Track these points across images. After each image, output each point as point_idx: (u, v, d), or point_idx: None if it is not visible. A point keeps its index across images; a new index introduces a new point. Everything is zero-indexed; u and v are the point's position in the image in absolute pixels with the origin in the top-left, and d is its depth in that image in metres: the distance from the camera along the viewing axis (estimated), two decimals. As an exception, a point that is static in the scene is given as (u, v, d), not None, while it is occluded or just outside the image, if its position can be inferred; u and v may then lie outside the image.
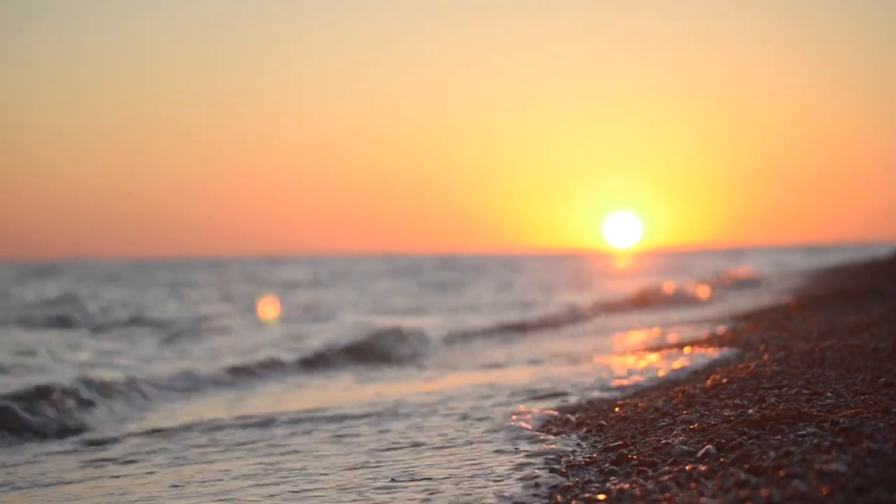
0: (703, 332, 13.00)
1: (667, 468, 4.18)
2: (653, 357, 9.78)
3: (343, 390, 9.97)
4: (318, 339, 15.08)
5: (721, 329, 12.88)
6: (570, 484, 4.34)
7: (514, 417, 6.88)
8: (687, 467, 4.06)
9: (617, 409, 6.28)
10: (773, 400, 5.41)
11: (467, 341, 15.59)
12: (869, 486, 3.18)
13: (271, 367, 11.74)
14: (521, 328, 17.65)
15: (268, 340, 15.51)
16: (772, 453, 3.97)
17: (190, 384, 10.45)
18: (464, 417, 7.04)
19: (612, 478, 4.32)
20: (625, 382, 8.10)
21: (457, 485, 4.77)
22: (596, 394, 7.58)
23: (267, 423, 7.41)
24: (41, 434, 7.95)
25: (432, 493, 4.66)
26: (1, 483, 5.88)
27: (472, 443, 6.01)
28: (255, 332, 17.72)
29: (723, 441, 4.45)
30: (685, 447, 4.53)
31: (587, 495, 3.98)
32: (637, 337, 13.88)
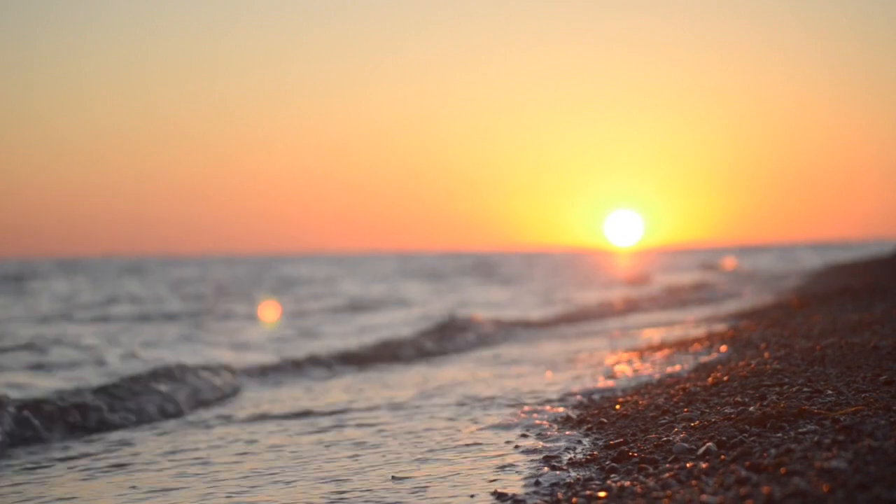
0: (706, 329, 13.00)
1: (668, 465, 4.18)
2: (654, 354, 9.78)
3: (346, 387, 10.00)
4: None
5: (722, 327, 12.88)
6: (571, 481, 4.34)
7: (520, 414, 6.89)
8: (688, 465, 4.06)
9: (618, 407, 6.29)
10: (773, 397, 5.41)
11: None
12: (869, 484, 3.19)
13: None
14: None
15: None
16: (773, 451, 3.97)
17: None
18: (468, 412, 7.05)
19: (612, 475, 4.32)
20: (624, 380, 8.10)
21: (458, 481, 4.77)
22: (597, 392, 7.59)
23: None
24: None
25: (433, 490, 4.66)
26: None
27: (473, 437, 6.02)
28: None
29: (724, 438, 4.46)
30: (686, 444, 4.53)
31: (588, 492, 3.98)
32: (642, 335, 13.88)
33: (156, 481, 5.39)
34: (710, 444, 4.36)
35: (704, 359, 8.52)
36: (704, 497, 3.45)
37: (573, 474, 4.52)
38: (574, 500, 3.92)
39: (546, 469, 4.72)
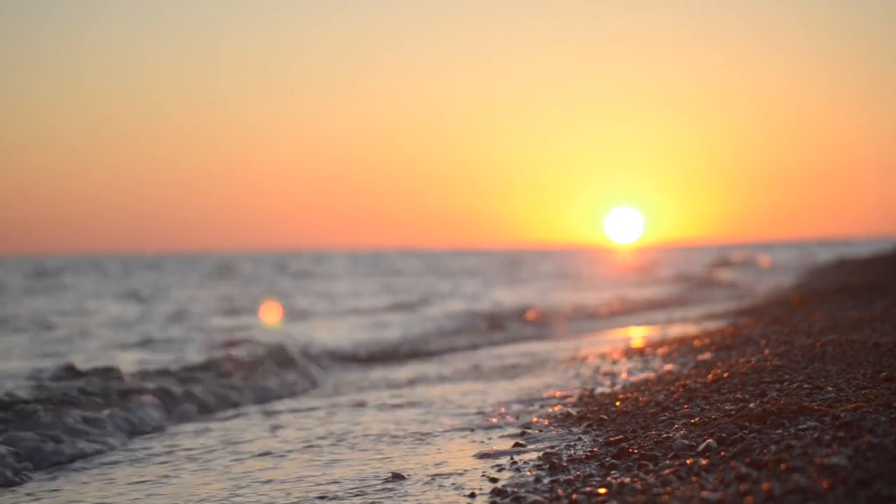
0: (707, 327, 13.00)
1: (668, 462, 4.18)
2: (654, 352, 9.78)
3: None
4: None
5: (722, 324, 12.88)
6: (572, 478, 4.34)
7: (520, 411, 6.89)
8: (688, 461, 4.06)
9: (618, 404, 6.29)
10: (774, 394, 5.41)
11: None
12: (870, 480, 3.18)
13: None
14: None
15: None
16: (773, 447, 3.96)
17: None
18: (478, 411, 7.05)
19: (613, 472, 4.32)
20: (624, 377, 8.10)
21: (458, 477, 4.77)
22: (597, 389, 7.59)
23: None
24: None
25: (431, 487, 4.66)
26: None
27: (473, 432, 6.02)
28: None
29: (724, 435, 4.45)
30: (686, 441, 4.53)
31: (588, 489, 3.98)
32: (642, 333, 13.89)
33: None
34: (710, 440, 4.36)
35: (699, 356, 8.52)
36: (704, 493, 3.45)
37: (573, 471, 4.52)
38: (574, 496, 3.92)
39: (546, 465, 4.72)
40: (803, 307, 13.70)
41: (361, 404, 7.96)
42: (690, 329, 13.04)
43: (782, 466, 3.56)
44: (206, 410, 8.31)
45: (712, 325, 13.15)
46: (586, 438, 5.45)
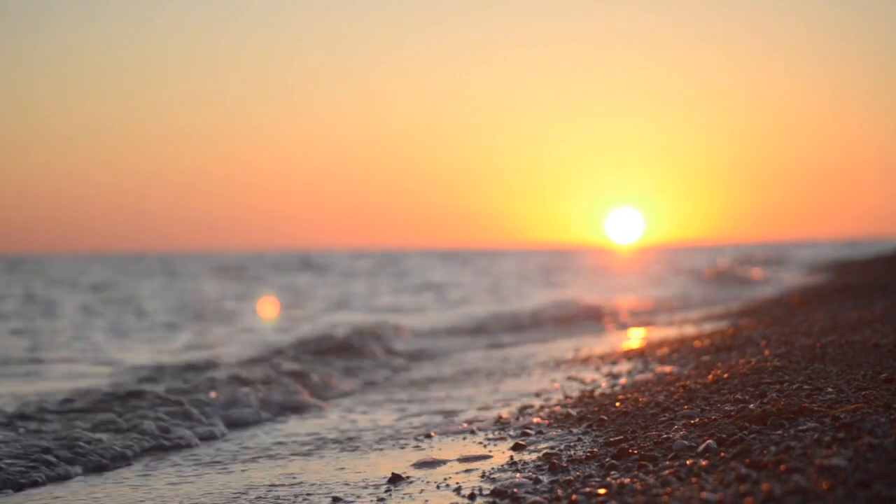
0: (708, 328, 13.00)
1: (667, 463, 4.18)
2: (655, 351, 9.78)
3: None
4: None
5: (723, 325, 12.87)
6: (571, 478, 4.34)
7: (520, 411, 6.88)
8: (688, 462, 4.06)
9: (618, 404, 6.29)
10: (774, 395, 5.41)
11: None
12: (869, 481, 3.18)
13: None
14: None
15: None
16: (772, 448, 3.96)
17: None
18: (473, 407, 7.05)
19: (612, 472, 4.32)
20: (624, 379, 8.10)
21: (457, 477, 4.77)
22: (597, 389, 7.59)
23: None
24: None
25: (430, 488, 4.66)
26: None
27: (473, 434, 6.02)
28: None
29: (724, 436, 4.45)
30: (686, 442, 4.53)
31: (588, 489, 3.97)
32: (644, 334, 13.88)
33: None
34: (710, 441, 4.36)
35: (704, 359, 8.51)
36: (704, 494, 3.45)
37: (573, 471, 4.52)
38: (574, 497, 3.92)
39: (546, 466, 4.72)
40: (803, 308, 13.70)
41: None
42: (692, 330, 13.04)
43: (782, 467, 3.56)
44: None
45: (712, 326, 13.15)
46: (586, 439, 5.45)
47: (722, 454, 4.09)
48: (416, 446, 5.96)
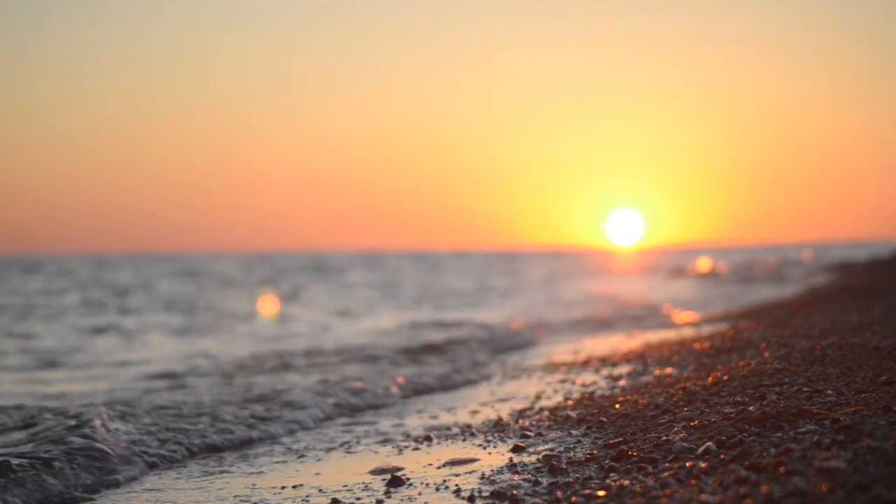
0: (708, 330, 12.99)
1: (667, 465, 4.18)
2: (654, 353, 9.77)
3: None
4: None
5: (723, 327, 12.87)
6: (571, 480, 4.34)
7: (520, 413, 6.88)
8: (687, 464, 4.06)
9: (617, 406, 6.28)
10: (773, 397, 5.41)
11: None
12: (869, 484, 3.18)
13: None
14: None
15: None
16: (772, 450, 3.96)
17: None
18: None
19: (612, 474, 4.32)
20: (623, 381, 8.10)
21: (457, 479, 4.77)
22: (597, 391, 7.59)
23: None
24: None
25: (428, 490, 4.66)
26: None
27: (473, 436, 6.02)
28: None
29: (723, 438, 4.45)
30: (685, 444, 4.52)
31: (587, 491, 3.97)
32: (644, 336, 13.88)
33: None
34: (709, 443, 4.36)
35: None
36: (703, 496, 3.45)
37: (572, 473, 4.51)
38: (573, 498, 3.92)
39: (545, 468, 4.72)
40: (803, 310, 13.70)
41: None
42: (692, 332, 13.02)
43: (781, 470, 3.55)
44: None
45: (712, 329, 13.14)
46: (586, 441, 5.45)
47: (721, 456, 4.08)
48: (415, 448, 5.96)
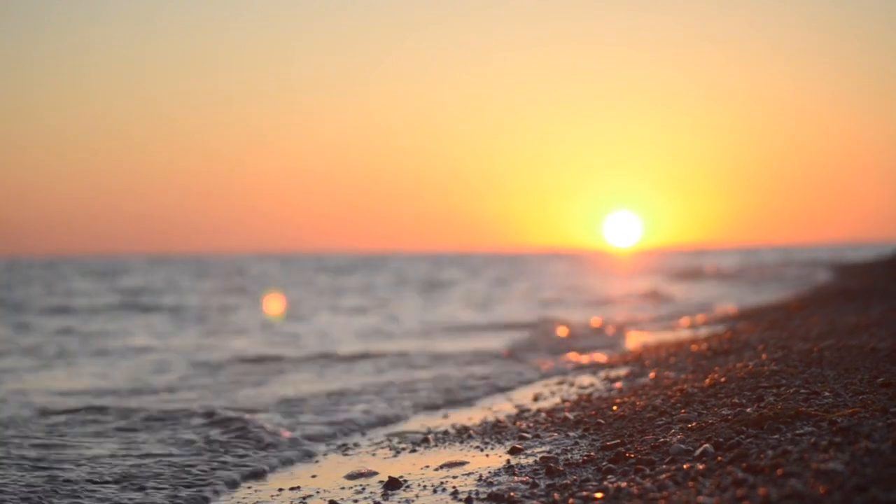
0: (706, 331, 12.99)
1: (664, 467, 4.18)
2: (651, 355, 9.77)
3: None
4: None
5: (721, 329, 12.87)
6: (568, 482, 4.33)
7: (518, 415, 6.88)
8: (685, 466, 4.05)
9: (615, 408, 6.28)
10: (771, 399, 5.41)
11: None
12: (866, 485, 3.18)
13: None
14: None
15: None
16: (769, 452, 3.96)
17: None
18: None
19: (609, 476, 4.31)
20: (620, 383, 8.10)
21: (454, 481, 4.76)
22: (595, 392, 7.59)
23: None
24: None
25: (430, 491, 4.66)
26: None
27: (471, 438, 6.02)
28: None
29: (721, 440, 4.45)
30: (683, 446, 4.52)
31: (585, 493, 3.97)
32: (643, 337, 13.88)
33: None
34: (707, 445, 4.35)
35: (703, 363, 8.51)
36: (701, 498, 3.45)
37: (570, 475, 4.51)
38: (571, 501, 3.91)
39: (543, 470, 4.71)
40: (801, 312, 13.70)
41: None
42: (690, 334, 13.02)
43: (779, 471, 3.55)
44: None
45: (711, 330, 13.15)
46: (583, 443, 5.44)
47: (719, 458, 4.08)
48: (413, 450, 5.96)
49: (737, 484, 3.54)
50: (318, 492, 4.94)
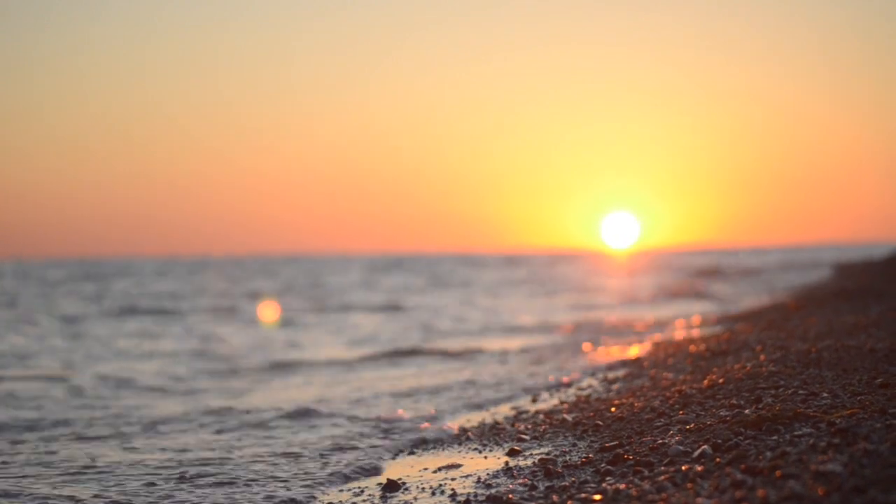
0: (704, 332, 12.98)
1: (663, 468, 4.18)
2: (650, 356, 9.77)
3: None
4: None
5: (718, 330, 12.87)
6: (567, 484, 4.33)
7: (517, 416, 6.88)
8: (683, 467, 4.05)
9: (613, 409, 6.28)
10: (769, 400, 5.41)
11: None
12: (865, 487, 3.18)
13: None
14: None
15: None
16: (768, 454, 3.96)
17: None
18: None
19: (608, 478, 4.31)
20: (618, 384, 8.10)
21: (453, 483, 4.76)
22: (593, 394, 7.58)
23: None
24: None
25: (429, 493, 4.65)
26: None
27: (469, 440, 6.01)
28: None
29: (719, 441, 4.45)
30: (681, 447, 4.52)
31: (583, 495, 3.97)
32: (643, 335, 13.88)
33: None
34: (705, 446, 4.35)
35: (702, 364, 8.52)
36: (700, 500, 3.45)
37: (568, 477, 4.51)
38: (569, 503, 3.91)
39: (541, 472, 4.71)
40: (799, 312, 13.70)
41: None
42: (688, 334, 13.02)
43: (777, 473, 3.55)
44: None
45: (709, 331, 13.15)
46: (581, 444, 5.44)
47: (717, 460, 4.08)
48: (411, 451, 5.96)
49: (735, 485, 3.54)
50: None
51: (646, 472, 4.20)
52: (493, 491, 4.46)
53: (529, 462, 5.10)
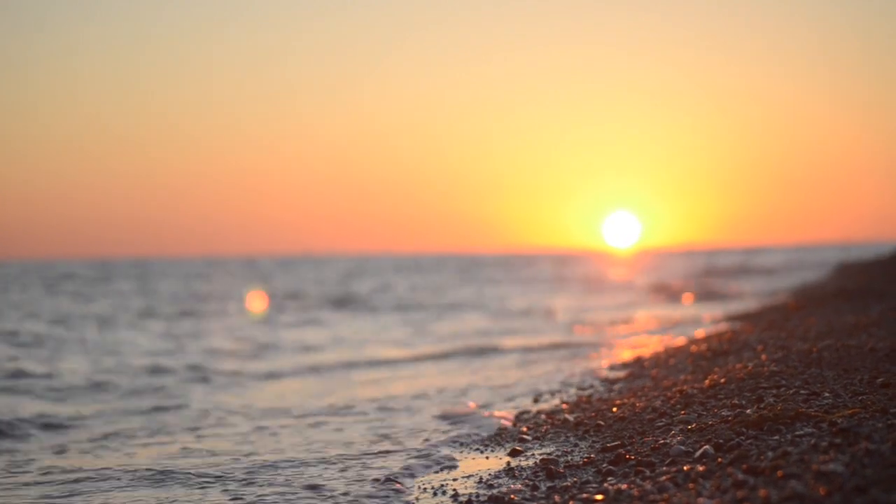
0: (704, 331, 12.98)
1: (664, 468, 4.18)
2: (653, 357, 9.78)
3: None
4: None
5: (719, 329, 12.87)
6: (568, 484, 4.33)
7: (519, 416, 6.88)
8: (685, 468, 4.06)
9: (614, 410, 6.28)
10: (770, 400, 5.41)
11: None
12: (866, 487, 3.18)
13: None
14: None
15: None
16: (769, 453, 3.96)
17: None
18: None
19: (609, 478, 4.31)
20: (620, 384, 8.10)
21: (454, 483, 4.77)
22: (594, 394, 7.59)
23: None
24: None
25: (430, 493, 4.66)
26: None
27: (470, 438, 6.02)
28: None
29: (720, 441, 4.45)
30: (683, 447, 4.52)
31: (585, 495, 3.97)
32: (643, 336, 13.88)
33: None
34: (707, 446, 4.36)
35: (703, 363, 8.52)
36: (701, 500, 3.45)
37: (570, 477, 4.51)
38: (571, 503, 3.92)
39: (543, 472, 4.72)
40: (800, 312, 13.70)
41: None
42: (690, 333, 13.02)
43: (779, 473, 3.56)
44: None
45: (709, 330, 13.15)
46: (583, 444, 5.45)
47: (719, 460, 4.09)
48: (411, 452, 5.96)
49: (737, 485, 3.54)
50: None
51: (647, 473, 4.20)
52: (494, 491, 4.46)
53: (531, 462, 5.10)
